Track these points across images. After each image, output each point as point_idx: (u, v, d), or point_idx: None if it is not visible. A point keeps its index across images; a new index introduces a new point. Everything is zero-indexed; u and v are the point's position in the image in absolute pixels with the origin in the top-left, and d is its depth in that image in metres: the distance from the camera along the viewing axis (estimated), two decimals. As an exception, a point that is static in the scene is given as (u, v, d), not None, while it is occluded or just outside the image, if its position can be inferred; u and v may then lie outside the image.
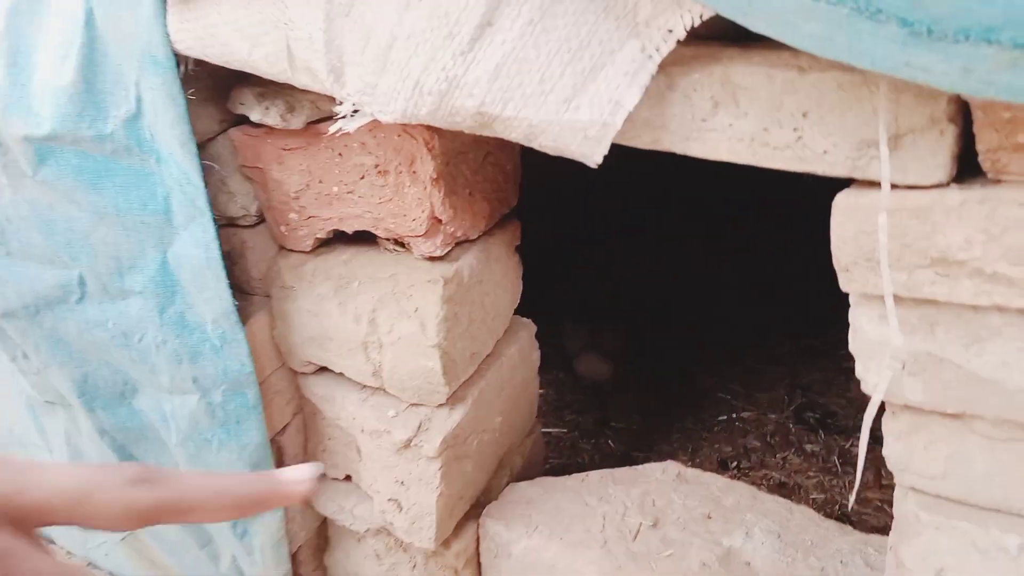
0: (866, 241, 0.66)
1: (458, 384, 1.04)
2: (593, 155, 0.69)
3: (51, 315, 0.97)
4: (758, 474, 1.75)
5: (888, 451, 0.77)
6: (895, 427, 0.76)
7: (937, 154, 0.62)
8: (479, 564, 1.12)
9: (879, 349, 0.72)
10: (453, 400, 1.05)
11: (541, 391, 2.09)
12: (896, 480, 0.78)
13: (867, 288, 0.69)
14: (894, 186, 0.64)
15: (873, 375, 0.73)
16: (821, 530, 1.08)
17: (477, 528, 1.11)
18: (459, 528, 1.10)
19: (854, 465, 1.73)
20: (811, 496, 1.70)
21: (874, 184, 0.65)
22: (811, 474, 1.75)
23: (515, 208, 1.12)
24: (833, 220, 0.68)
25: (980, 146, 0.62)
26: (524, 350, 1.20)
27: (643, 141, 0.73)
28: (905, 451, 0.75)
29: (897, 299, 0.69)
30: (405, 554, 1.14)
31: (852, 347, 0.74)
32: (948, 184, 0.64)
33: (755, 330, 2.16)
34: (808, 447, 1.81)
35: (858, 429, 1.83)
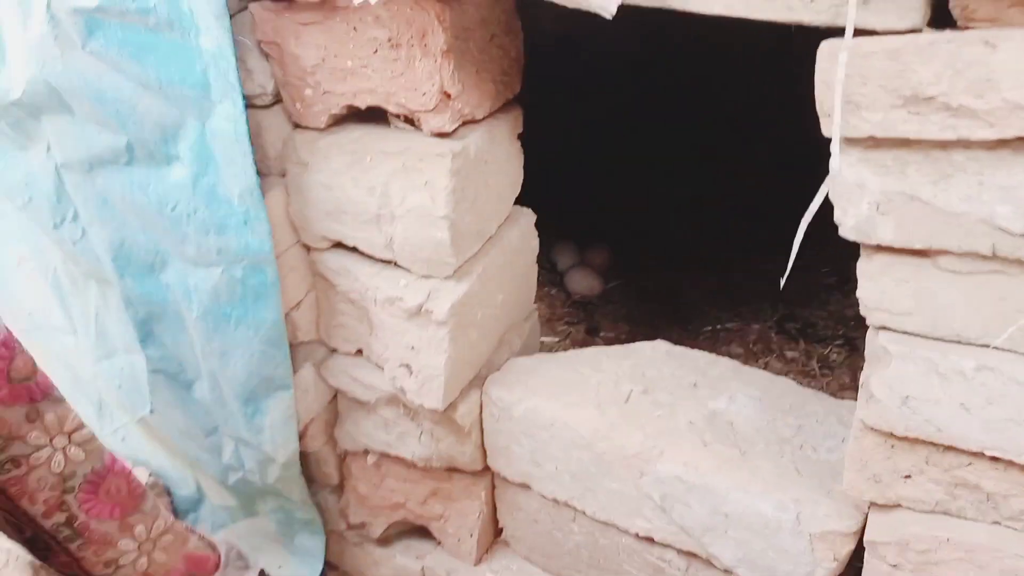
0: (848, 85, 0.73)
1: (464, 258, 1.11)
2: (608, 5, 0.75)
3: (102, 173, 1.03)
4: (740, 376, 1.84)
5: (861, 292, 0.84)
6: (868, 269, 0.83)
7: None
8: (483, 431, 1.20)
9: (857, 192, 0.79)
10: (460, 274, 1.11)
11: (535, 305, 2.16)
12: (868, 321, 0.86)
13: (847, 131, 0.75)
14: (872, 32, 0.71)
15: (851, 218, 0.81)
16: (800, 397, 1.17)
17: (480, 395, 1.19)
18: (464, 394, 1.17)
19: (832, 368, 1.83)
20: (790, 396, 1.79)
21: (858, 33, 0.72)
22: (791, 377, 1.84)
23: (519, 97, 1.18)
24: (818, 67, 0.74)
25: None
26: (524, 235, 1.27)
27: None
28: (877, 291, 0.83)
29: (873, 140, 0.76)
30: (413, 422, 1.22)
31: (832, 193, 0.81)
32: (921, 30, 0.71)
33: (740, 249, 2.24)
34: (788, 353, 1.91)
35: (836, 338, 1.91)
